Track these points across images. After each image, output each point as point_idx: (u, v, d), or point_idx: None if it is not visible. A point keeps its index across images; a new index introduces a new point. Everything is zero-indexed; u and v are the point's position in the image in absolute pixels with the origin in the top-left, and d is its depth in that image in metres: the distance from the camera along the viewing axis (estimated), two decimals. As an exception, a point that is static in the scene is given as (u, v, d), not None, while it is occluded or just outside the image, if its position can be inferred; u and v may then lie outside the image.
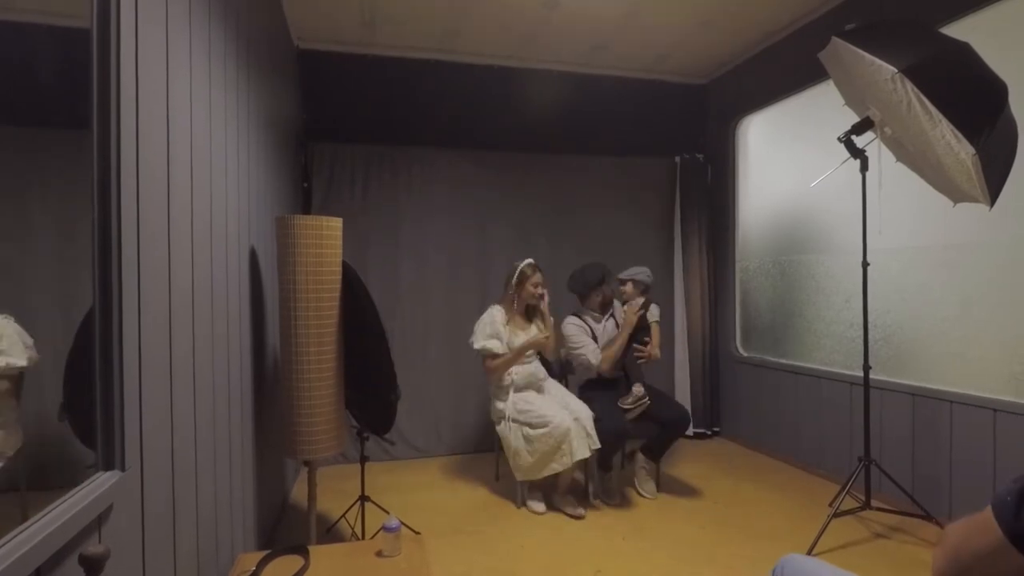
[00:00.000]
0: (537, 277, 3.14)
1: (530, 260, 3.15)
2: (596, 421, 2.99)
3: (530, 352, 3.17)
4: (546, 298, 3.18)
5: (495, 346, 3.07)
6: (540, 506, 2.97)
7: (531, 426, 2.92)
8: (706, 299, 4.39)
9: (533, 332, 3.19)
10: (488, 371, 3.13)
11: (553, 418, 2.86)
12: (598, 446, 2.90)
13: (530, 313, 3.24)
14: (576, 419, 2.90)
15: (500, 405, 3.10)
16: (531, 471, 2.92)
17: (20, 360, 0.89)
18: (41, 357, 0.92)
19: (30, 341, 0.90)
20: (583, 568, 2.40)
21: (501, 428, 3.05)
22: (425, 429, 3.94)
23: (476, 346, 3.10)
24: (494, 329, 3.10)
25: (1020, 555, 0.65)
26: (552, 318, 3.23)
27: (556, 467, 2.87)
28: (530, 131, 4.23)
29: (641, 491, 3.16)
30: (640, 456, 3.23)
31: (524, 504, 3.01)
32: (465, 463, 3.80)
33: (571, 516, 2.90)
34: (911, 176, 2.60)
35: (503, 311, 3.16)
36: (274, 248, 2.41)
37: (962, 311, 2.77)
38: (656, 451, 3.20)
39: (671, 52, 4.08)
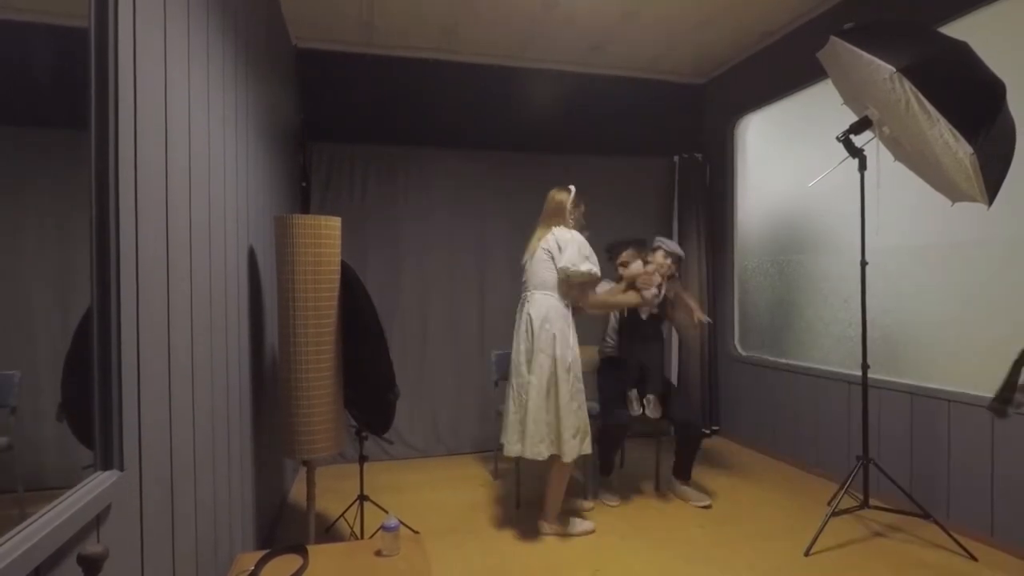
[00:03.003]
0: None
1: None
2: (600, 411, 3.04)
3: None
4: None
5: (596, 269, 2.70)
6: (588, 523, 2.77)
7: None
8: (705, 299, 4.39)
9: None
10: (584, 302, 2.75)
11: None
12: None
13: None
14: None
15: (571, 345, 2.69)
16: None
17: None
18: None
19: None
20: (581, 567, 2.41)
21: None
22: (424, 429, 3.94)
23: (583, 268, 2.64)
24: (589, 250, 2.71)
25: None
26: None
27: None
28: (529, 131, 4.23)
29: (696, 505, 3.02)
30: (676, 482, 3.15)
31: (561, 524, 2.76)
32: (464, 463, 3.80)
33: (582, 534, 2.72)
34: (909, 175, 2.60)
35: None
36: (273, 248, 2.41)
37: (960, 310, 2.77)
38: (684, 470, 3.13)
39: (670, 51, 4.08)
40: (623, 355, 3.22)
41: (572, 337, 2.69)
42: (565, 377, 2.61)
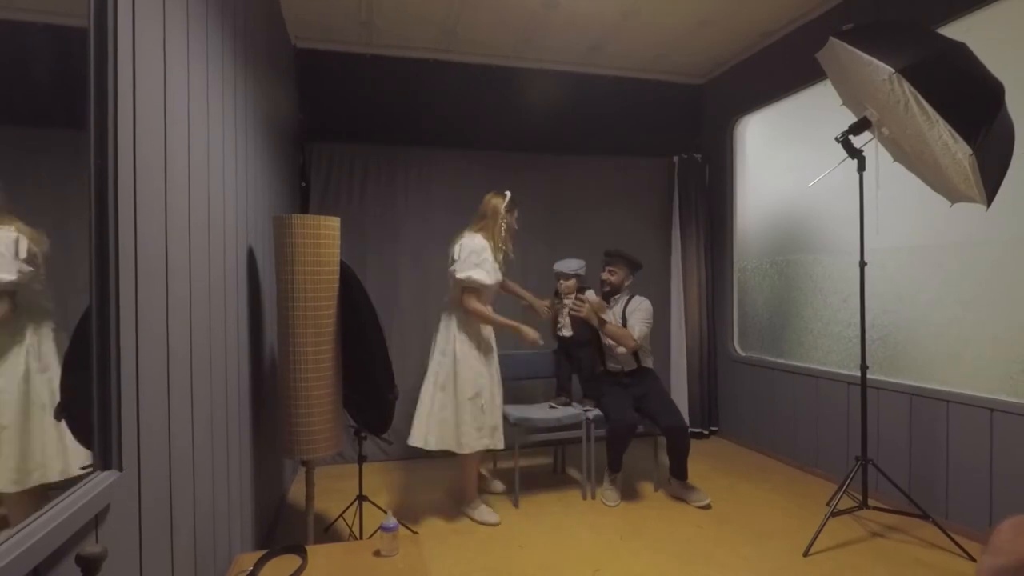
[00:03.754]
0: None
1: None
2: (605, 418, 3.14)
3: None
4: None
5: (482, 277, 2.76)
6: (494, 516, 2.87)
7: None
8: (704, 299, 4.39)
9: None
10: (469, 309, 2.78)
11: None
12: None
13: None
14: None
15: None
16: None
17: (7, 275, 0.78)
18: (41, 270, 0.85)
19: (24, 252, 0.79)
20: (581, 567, 2.41)
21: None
22: (423, 429, 3.93)
23: (461, 275, 2.74)
24: (481, 258, 2.78)
25: None
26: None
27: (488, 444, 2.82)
28: (528, 131, 4.23)
29: (696, 505, 3.03)
30: (675, 482, 3.18)
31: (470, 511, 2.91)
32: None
33: (480, 521, 2.84)
34: (908, 176, 2.60)
35: (488, 244, 2.84)
36: (272, 248, 2.41)
37: (959, 311, 2.77)
38: (680, 470, 3.14)
39: (669, 52, 4.08)
40: (577, 339, 3.42)
41: (476, 339, 2.84)
42: (466, 376, 2.77)
